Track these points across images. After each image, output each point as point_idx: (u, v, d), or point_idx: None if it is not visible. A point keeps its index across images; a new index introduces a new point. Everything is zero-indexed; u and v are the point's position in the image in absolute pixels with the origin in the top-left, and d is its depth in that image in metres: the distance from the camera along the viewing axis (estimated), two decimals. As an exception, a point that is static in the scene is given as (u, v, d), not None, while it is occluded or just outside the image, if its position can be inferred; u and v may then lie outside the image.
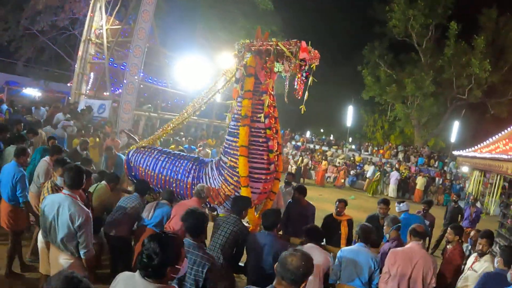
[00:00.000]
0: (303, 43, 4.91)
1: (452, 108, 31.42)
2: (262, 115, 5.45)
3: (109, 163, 9.88)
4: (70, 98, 18.22)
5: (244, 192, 5.38)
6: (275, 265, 2.61)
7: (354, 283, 4.56)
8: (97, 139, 11.89)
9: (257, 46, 5.35)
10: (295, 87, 5.32)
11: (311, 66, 5.22)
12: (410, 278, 4.48)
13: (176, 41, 20.88)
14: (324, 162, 22.36)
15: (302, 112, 5.52)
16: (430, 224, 8.12)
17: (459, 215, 10.31)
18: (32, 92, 22.39)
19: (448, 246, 5.89)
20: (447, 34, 28.66)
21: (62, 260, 3.92)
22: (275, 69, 5.43)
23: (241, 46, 5.51)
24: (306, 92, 5.34)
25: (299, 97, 5.24)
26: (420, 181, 21.35)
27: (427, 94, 29.57)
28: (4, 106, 11.50)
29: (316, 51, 5.24)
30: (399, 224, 5.49)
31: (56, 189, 4.52)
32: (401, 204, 7.02)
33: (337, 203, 6.45)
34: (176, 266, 2.46)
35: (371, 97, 33.30)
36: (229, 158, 5.62)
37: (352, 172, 23.49)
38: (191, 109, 6.67)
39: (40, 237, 4.29)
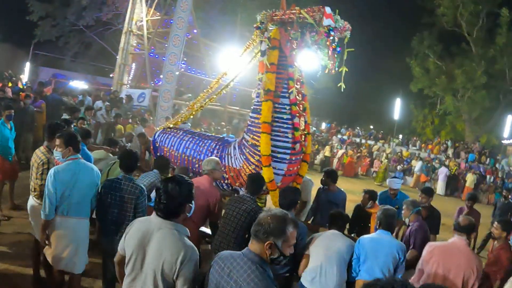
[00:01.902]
0: (327, 9, 4.52)
1: (505, 102, 29.64)
2: (294, 89, 5.11)
3: (143, 148, 9.91)
4: (112, 88, 18.59)
5: (265, 172, 5.05)
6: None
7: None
8: (135, 126, 12.00)
9: (280, 16, 5.01)
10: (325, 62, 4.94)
11: (344, 40, 4.83)
12: (446, 280, 3.81)
13: (218, 33, 20.88)
14: (349, 152, 21.80)
15: (342, 90, 5.05)
16: (475, 221, 7.40)
17: (509, 213, 9.47)
18: (79, 84, 23.05)
19: (495, 244, 5.09)
20: (499, 22, 27.04)
21: (66, 231, 3.93)
22: (303, 45, 5.07)
23: (263, 16, 5.19)
24: (345, 68, 4.93)
25: (331, 72, 4.83)
26: (470, 178, 20.15)
27: (479, 87, 28.07)
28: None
29: (346, 22, 4.84)
30: (420, 208, 5.04)
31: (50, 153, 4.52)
32: (395, 180, 6.50)
33: (363, 194, 5.95)
34: (189, 205, 2.66)
35: (420, 89, 31.94)
36: (251, 136, 5.32)
37: (399, 167, 22.56)
38: (216, 85, 6.41)
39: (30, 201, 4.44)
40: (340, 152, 21.94)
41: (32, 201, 4.44)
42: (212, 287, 2.34)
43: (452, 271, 3.81)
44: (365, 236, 4.17)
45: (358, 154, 22.75)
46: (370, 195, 5.84)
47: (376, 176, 20.67)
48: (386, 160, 21.32)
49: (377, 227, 4.13)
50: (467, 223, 4.07)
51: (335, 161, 21.44)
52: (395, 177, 6.56)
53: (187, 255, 2.47)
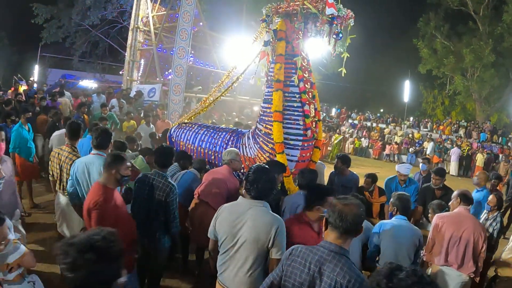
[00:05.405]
0: None
1: (515, 80, 29.30)
2: (296, 77, 5.26)
3: (155, 146, 10.12)
4: (122, 85, 18.81)
5: (279, 159, 5.23)
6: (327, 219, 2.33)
7: None
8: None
9: (284, 8, 5.17)
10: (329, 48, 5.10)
11: (347, 27, 4.98)
12: (459, 243, 4.06)
13: (224, 24, 20.91)
14: (324, 135, 21.03)
15: (343, 75, 5.32)
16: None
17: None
18: (88, 83, 23.31)
19: None
20: (505, -1, 26.65)
21: None
22: (309, 34, 5.22)
23: (269, 9, 5.36)
24: (346, 54, 5.11)
25: (333, 57, 5.01)
26: (480, 158, 20.01)
27: (487, 65, 27.80)
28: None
29: (349, 10, 5.00)
30: (447, 208, 4.84)
31: (74, 151, 4.63)
32: (405, 165, 6.34)
33: (365, 178, 6.02)
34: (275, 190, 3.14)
35: (429, 71, 31.71)
36: (264, 125, 5.52)
37: (411, 149, 22.47)
38: (227, 79, 6.58)
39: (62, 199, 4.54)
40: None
41: (62, 197, 4.60)
42: (291, 284, 2.34)
43: (463, 235, 4.07)
44: (385, 222, 4.19)
45: (330, 134, 21.36)
46: (372, 179, 6.02)
47: (329, 153, 19.78)
48: (340, 136, 20.75)
49: (393, 213, 4.15)
50: (471, 196, 4.44)
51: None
52: (404, 162, 6.36)
53: (280, 226, 2.92)
